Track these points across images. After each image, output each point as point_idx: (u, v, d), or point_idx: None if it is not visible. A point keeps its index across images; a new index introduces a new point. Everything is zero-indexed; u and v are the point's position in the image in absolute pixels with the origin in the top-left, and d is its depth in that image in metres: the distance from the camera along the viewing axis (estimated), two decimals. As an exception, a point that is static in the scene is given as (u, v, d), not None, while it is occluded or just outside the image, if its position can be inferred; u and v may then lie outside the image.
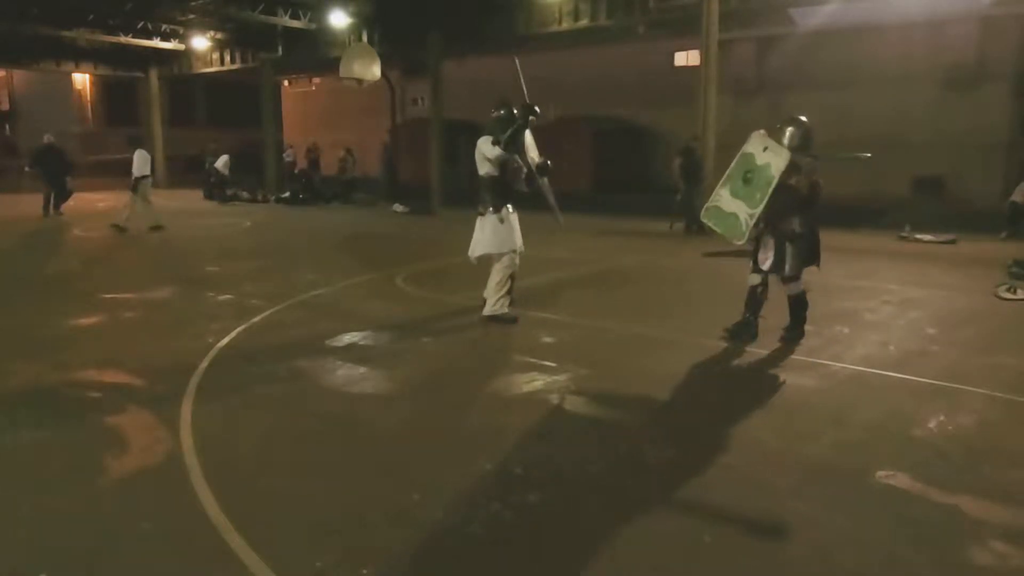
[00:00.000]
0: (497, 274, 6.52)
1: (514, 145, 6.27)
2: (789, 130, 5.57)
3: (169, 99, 26.65)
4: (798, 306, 5.81)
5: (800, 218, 5.59)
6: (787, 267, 5.63)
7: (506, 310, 6.56)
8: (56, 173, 15.48)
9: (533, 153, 6.43)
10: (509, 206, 6.48)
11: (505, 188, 6.47)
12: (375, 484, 3.48)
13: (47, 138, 15.93)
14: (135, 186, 13.20)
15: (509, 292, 6.57)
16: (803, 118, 5.70)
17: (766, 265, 5.74)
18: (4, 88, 31.81)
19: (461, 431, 4.14)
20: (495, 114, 6.41)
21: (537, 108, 6.25)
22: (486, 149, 6.34)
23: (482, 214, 6.51)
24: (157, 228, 13.16)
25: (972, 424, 4.18)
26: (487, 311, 6.56)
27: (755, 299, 5.92)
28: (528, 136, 6.39)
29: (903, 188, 16.72)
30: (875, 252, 10.51)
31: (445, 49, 18.11)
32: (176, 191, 21.67)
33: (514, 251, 6.52)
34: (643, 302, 7.64)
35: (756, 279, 5.86)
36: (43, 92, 30.75)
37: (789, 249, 5.61)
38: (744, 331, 5.87)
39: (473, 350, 5.86)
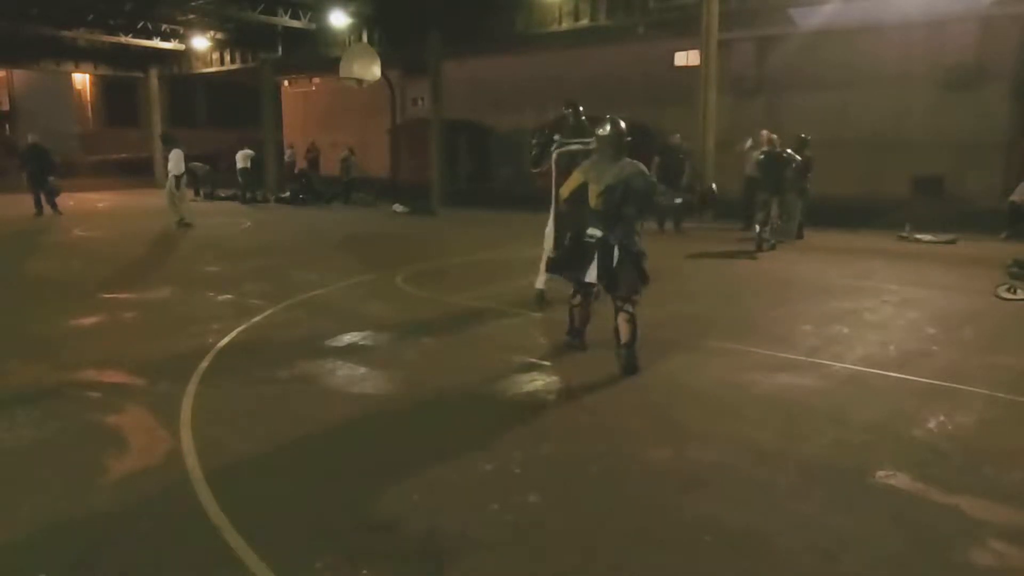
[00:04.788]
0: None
1: (540, 155, 6.87)
2: None
3: (169, 99, 26.63)
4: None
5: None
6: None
7: (540, 287, 7.17)
8: (39, 173, 15.42)
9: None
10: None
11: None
12: (375, 484, 3.48)
13: (31, 138, 15.98)
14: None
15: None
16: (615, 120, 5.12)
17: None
18: (4, 88, 31.74)
19: (461, 431, 4.14)
20: (563, 112, 7.00)
21: (569, 109, 6.91)
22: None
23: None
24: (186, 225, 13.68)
25: (972, 424, 4.18)
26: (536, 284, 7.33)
27: (571, 313, 5.57)
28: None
29: (903, 188, 16.72)
30: (875, 252, 10.50)
31: (445, 49, 18.11)
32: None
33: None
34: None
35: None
36: (43, 92, 30.69)
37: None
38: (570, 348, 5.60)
39: (473, 350, 5.86)
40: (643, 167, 5.07)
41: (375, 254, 11.05)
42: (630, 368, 4.99)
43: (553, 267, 5.27)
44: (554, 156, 6.13)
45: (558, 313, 6.83)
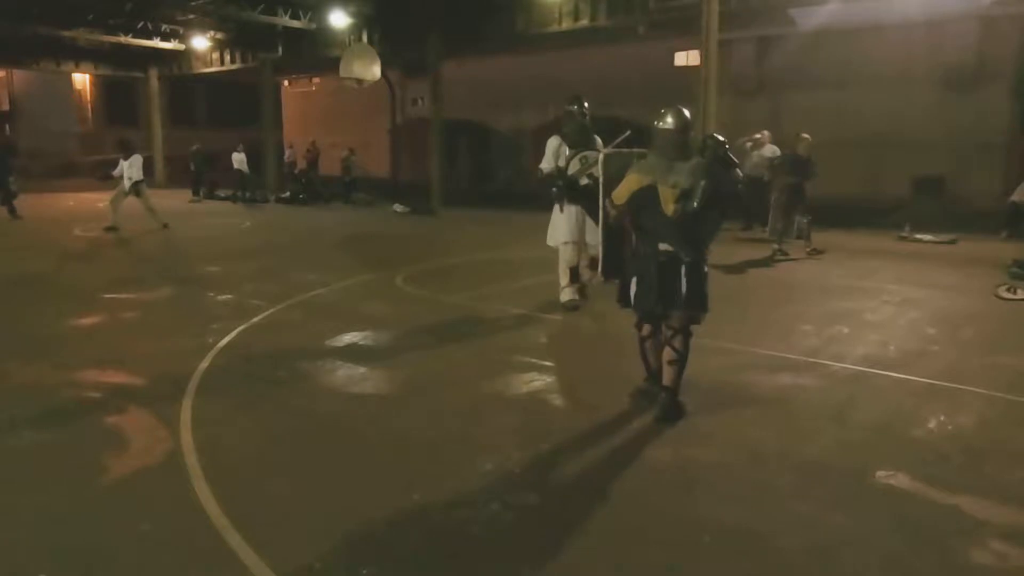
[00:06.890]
0: (559, 264, 6.93)
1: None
2: None
3: (169, 99, 26.65)
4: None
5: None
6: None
7: (568, 298, 6.81)
8: None
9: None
10: (573, 201, 6.69)
11: (566, 182, 6.71)
12: (375, 484, 3.48)
13: None
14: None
15: (573, 281, 6.82)
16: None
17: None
18: (4, 88, 31.76)
19: (461, 431, 4.14)
20: (568, 108, 6.82)
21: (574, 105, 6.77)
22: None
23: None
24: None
25: (972, 424, 4.18)
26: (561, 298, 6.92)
27: (642, 350, 4.51)
28: (598, 143, 6.65)
29: (903, 188, 16.70)
30: (875, 252, 10.50)
31: (445, 49, 18.10)
32: (177, 191, 21.64)
33: (567, 243, 6.76)
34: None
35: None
36: (43, 92, 30.73)
37: None
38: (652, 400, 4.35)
39: (473, 350, 5.86)
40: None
41: (375, 254, 11.04)
42: (671, 414, 4.17)
43: (623, 298, 4.39)
44: (600, 158, 5.54)
45: (559, 314, 6.83)
